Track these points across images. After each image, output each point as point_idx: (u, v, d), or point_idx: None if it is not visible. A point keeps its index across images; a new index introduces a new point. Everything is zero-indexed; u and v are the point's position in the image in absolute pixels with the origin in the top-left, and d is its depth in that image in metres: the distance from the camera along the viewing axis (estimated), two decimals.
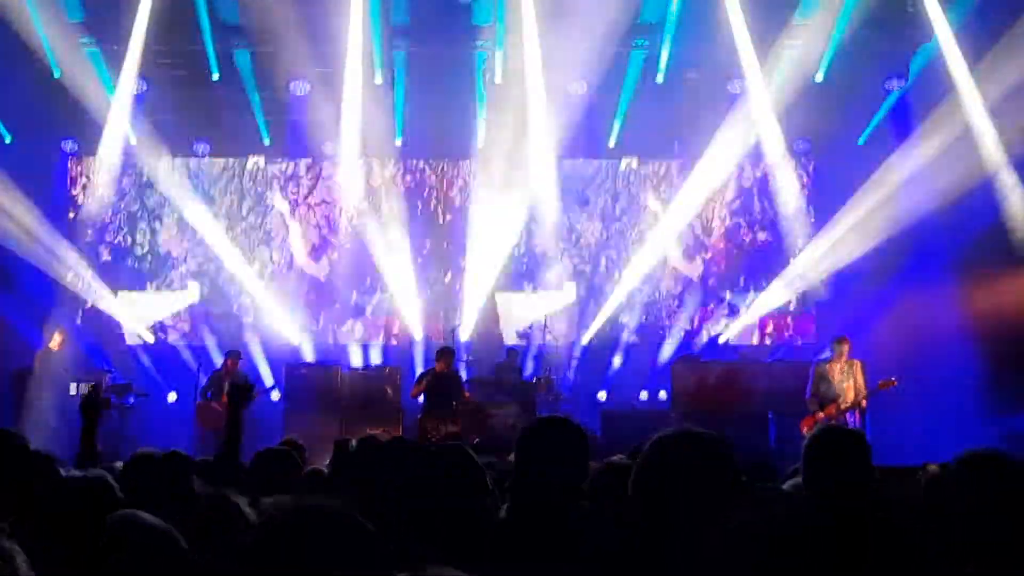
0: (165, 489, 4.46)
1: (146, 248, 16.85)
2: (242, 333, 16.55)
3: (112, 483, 4.00)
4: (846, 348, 12.56)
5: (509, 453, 4.64)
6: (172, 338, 16.72)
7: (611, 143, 16.56)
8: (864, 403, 12.41)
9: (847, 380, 12.43)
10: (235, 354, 14.69)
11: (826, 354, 13.28)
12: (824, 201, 16.69)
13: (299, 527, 1.74)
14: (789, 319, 17.11)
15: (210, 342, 16.02)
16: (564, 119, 15.65)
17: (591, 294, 17.09)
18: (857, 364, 12.55)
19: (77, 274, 16.21)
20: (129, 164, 16.23)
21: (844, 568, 2.56)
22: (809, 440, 4.10)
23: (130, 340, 16.63)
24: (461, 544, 3.09)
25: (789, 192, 16.79)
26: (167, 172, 16.40)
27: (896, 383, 12.24)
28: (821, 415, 12.29)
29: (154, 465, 4.82)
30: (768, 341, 17.01)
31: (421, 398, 13.77)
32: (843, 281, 16.15)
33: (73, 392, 13.84)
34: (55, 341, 14.46)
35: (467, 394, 13.95)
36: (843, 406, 12.33)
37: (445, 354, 13.83)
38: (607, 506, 3.91)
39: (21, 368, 14.23)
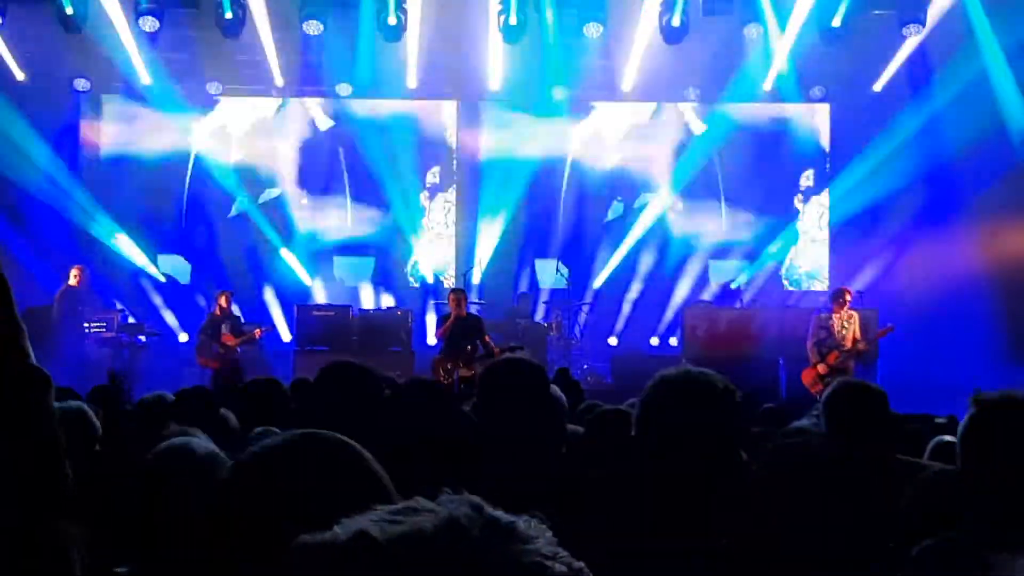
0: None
1: (159, 187, 16.82)
2: (254, 274, 16.59)
3: (91, 416, 4.04)
4: (847, 299, 12.83)
5: None
6: (183, 279, 16.75)
7: (626, 86, 16.43)
8: (861, 348, 12.62)
9: (847, 330, 12.72)
10: (226, 292, 14.52)
11: (824, 303, 13.42)
12: (840, 147, 16.64)
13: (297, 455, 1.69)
14: (802, 265, 17.07)
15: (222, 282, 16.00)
16: (579, 61, 15.57)
17: (603, 238, 17.06)
18: (855, 315, 12.82)
19: (88, 213, 16.21)
20: (142, 102, 16.19)
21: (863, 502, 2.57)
22: (827, 395, 4.16)
23: (142, 280, 16.66)
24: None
25: (805, 137, 16.70)
26: (180, 110, 16.34)
27: (893, 329, 12.66)
28: (822, 366, 12.52)
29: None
30: (781, 287, 17.00)
31: (434, 341, 13.70)
32: (859, 227, 16.11)
33: (86, 329, 13.95)
34: (73, 277, 14.49)
35: (488, 337, 13.61)
36: (844, 351, 12.60)
37: (457, 294, 13.46)
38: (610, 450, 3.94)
39: (33, 307, 14.27)
